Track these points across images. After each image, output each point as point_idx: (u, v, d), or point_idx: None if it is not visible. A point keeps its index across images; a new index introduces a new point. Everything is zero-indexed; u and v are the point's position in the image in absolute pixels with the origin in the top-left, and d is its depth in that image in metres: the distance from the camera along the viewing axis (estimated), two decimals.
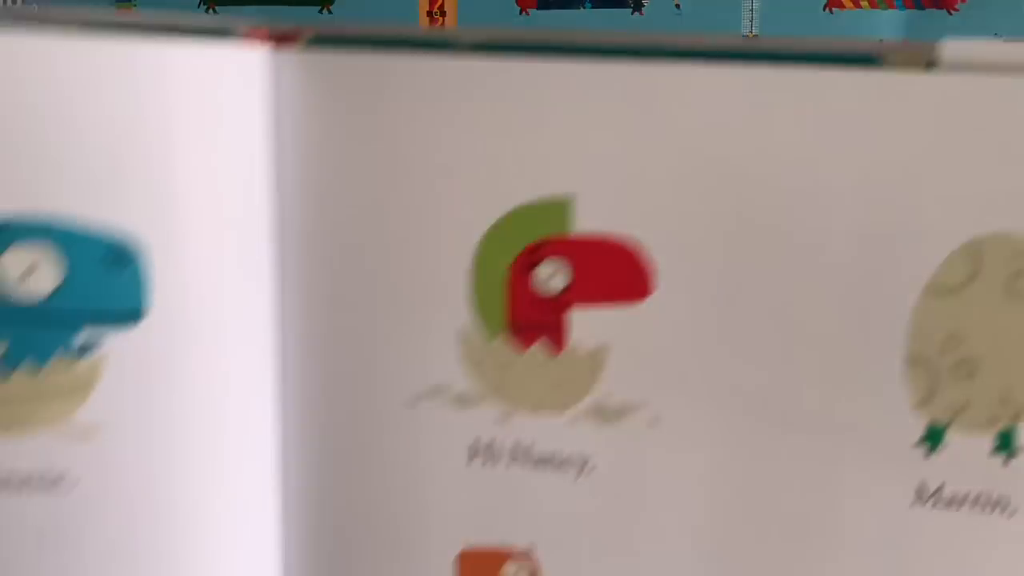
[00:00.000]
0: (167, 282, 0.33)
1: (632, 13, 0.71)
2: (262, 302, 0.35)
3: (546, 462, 0.36)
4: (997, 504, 0.32)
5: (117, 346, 0.33)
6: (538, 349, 0.36)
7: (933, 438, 0.32)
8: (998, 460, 0.32)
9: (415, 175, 0.34)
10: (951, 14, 0.70)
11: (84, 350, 0.33)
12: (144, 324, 0.33)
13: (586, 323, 0.35)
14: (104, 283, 0.32)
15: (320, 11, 0.72)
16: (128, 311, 0.33)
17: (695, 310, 0.34)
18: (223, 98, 0.32)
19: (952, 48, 0.31)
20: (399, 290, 0.36)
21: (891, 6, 0.70)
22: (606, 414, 0.36)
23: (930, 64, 0.31)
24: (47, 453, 0.32)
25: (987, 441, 0.32)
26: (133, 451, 0.33)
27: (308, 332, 0.36)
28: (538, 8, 0.72)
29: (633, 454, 0.36)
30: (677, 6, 0.70)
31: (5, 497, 0.32)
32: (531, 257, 0.35)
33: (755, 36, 0.67)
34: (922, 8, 0.69)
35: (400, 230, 0.35)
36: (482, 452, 0.36)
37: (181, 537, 0.34)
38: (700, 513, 0.36)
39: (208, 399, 0.34)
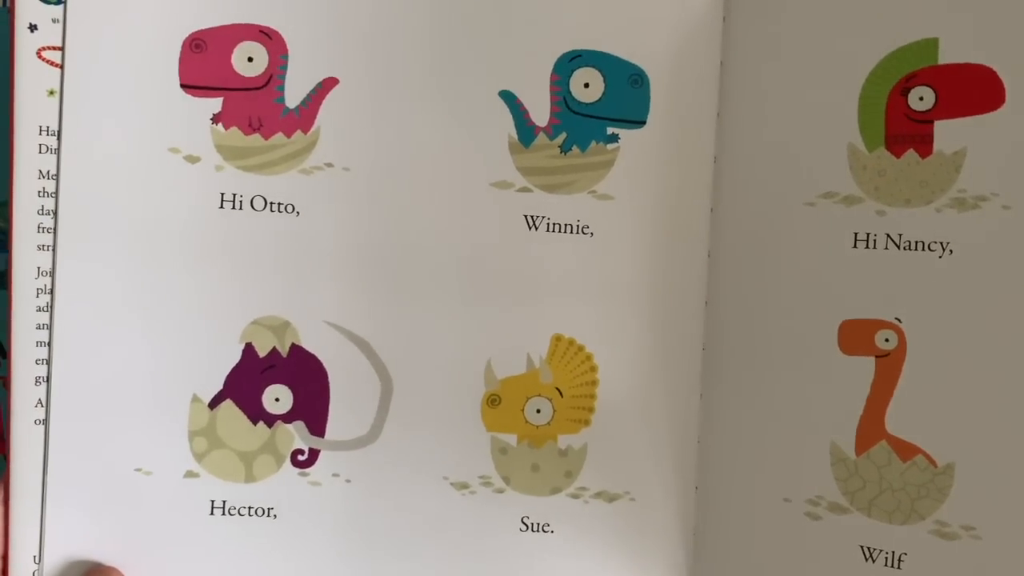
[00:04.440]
0: (660, 103, 0.46)
1: None
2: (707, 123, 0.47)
3: (913, 247, 0.42)
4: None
5: (628, 141, 0.46)
6: (910, 155, 0.42)
7: None
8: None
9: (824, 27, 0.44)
10: None
11: (611, 140, 0.46)
12: (645, 129, 0.46)
13: (949, 133, 0.41)
14: (627, 96, 0.46)
15: None
16: (638, 118, 0.46)
17: None
18: None
19: None
20: (801, 117, 0.44)
21: None
22: (964, 204, 0.41)
23: None
24: (579, 210, 0.45)
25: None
26: (632, 214, 0.46)
27: (736, 149, 0.46)
28: None
29: (987, 238, 0.40)
30: None
31: (552, 235, 0.45)
32: (906, 84, 0.42)
33: None
34: None
35: (795, 73, 0.44)
36: (862, 240, 0.43)
37: None
38: None
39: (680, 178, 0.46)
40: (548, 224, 0.45)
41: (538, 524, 0.46)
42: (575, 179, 0.46)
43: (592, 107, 0.46)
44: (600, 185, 0.46)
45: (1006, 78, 0.40)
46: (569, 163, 0.45)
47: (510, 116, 0.45)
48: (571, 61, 0.45)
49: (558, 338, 0.46)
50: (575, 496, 0.46)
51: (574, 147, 0.46)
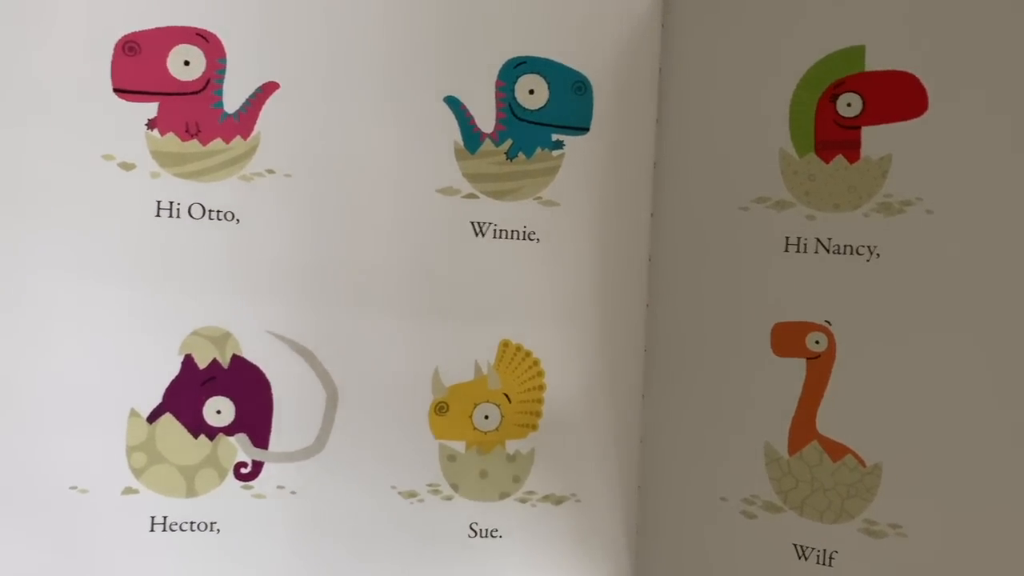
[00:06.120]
0: (602, 110, 0.46)
1: None
2: (647, 130, 0.47)
3: (842, 251, 0.42)
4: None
5: (573, 147, 0.46)
6: (839, 161, 0.43)
7: None
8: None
9: (757, 35, 0.45)
10: None
11: (556, 146, 0.46)
12: (589, 135, 0.46)
13: (875, 138, 0.42)
14: (571, 103, 0.46)
15: None
16: (581, 124, 0.46)
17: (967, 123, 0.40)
18: None
19: None
20: (735, 123, 0.45)
21: None
22: (890, 209, 0.41)
23: None
24: (525, 216, 0.45)
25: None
26: (577, 220, 0.46)
27: (674, 154, 0.47)
28: None
29: (912, 242, 0.41)
30: None
31: (499, 241, 0.45)
32: (834, 91, 0.43)
33: None
34: None
35: (730, 81, 0.45)
36: (793, 244, 0.43)
37: None
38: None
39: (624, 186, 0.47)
40: (495, 231, 0.45)
41: (487, 530, 0.45)
42: (521, 185, 0.45)
43: (537, 114, 0.45)
44: (546, 191, 0.46)
45: (929, 85, 0.41)
46: (515, 169, 0.45)
47: (455, 122, 0.44)
48: (516, 67, 0.45)
49: (506, 344, 0.45)
50: (523, 500, 0.46)
51: (520, 153, 0.45)
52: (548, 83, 0.45)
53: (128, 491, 0.42)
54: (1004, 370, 0.39)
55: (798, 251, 0.44)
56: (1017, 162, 0.39)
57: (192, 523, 0.42)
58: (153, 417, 0.42)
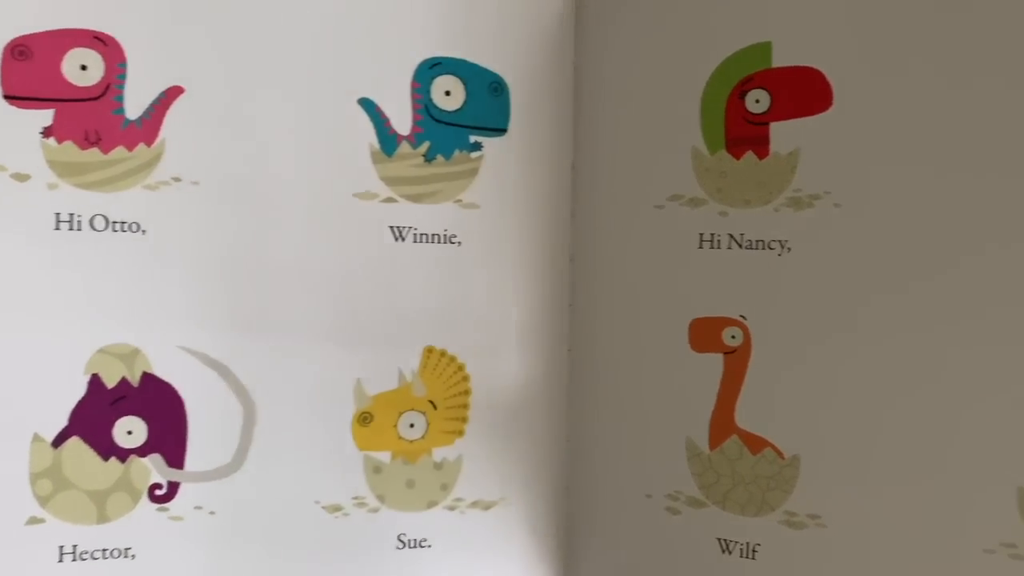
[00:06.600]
0: (519, 111, 0.46)
1: None
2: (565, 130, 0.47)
3: (754, 246, 0.43)
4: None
5: (491, 149, 0.46)
6: (749, 157, 0.43)
7: None
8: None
9: (667, 33, 0.45)
10: None
11: (474, 148, 0.45)
12: (507, 136, 0.46)
13: (783, 134, 0.42)
14: (488, 104, 0.45)
15: None
16: (499, 126, 0.46)
17: (871, 117, 0.41)
18: None
19: None
20: (649, 122, 0.45)
21: None
22: (800, 203, 0.42)
23: None
24: (445, 219, 0.45)
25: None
26: (497, 222, 0.46)
27: (591, 154, 0.47)
28: None
29: (821, 235, 0.41)
30: None
31: (419, 245, 0.44)
32: (742, 88, 0.43)
33: None
34: None
35: (643, 80, 0.45)
36: (707, 240, 0.44)
37: None
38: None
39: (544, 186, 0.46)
40: (415, 235, 0.44)
41: (415, 540, 0.45)
42: (440, 188, 0.45)
43: (454, 115, 0.45)
44: (465, 194, 0.45)
45: (833, 80, 0.42)
46: (434, 172, 0.44)
47: (371, 124, 0.43)
48: (431, 68, 0.44)
49: (429, 350, 0.44)
50: (451, 508, 0.45)
51: (438, 156, 0.45)
52: (464, 84, 0.45)
53: (33, 521, 0.39)
54: (914, 360, 0.40)
55: (712, 247, 0.44)
56: (920, 155, 0.40)
57: (105, 550, 0.40)
58: (59, 441, 0.40)
